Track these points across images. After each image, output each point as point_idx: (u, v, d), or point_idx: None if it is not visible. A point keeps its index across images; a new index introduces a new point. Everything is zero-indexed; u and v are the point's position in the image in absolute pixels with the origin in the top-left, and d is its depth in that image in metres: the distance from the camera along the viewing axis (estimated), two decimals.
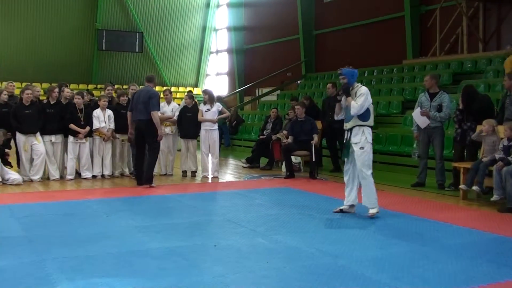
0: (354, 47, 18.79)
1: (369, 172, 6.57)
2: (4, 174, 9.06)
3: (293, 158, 10.80)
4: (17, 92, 10.57)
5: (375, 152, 11.68)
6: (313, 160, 10.26)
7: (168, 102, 10.83)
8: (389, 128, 12.71)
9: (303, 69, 21.49)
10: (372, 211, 6.56)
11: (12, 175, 9.13)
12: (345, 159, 6.83)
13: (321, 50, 21.03)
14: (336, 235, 5.76)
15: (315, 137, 10.35)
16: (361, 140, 6.57)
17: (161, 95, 10.79)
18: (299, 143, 10.44)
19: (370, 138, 6.62)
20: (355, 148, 6.58)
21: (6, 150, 9.37)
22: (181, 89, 27.09)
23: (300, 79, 21.58)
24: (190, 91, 19.08)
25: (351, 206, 6.82)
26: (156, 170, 9.93)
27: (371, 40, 18.09)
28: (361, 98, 6.51)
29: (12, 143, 9.73)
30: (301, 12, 21.05)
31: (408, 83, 15.10)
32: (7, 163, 9.51)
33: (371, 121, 6.67)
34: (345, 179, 6.83)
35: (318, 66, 21.27)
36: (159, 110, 9.24)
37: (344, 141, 6.80)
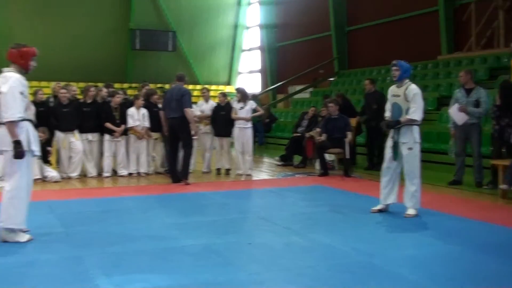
0: (387, 43, 18.56)
1: (417, 175, 6.41)
2: (44, 171, 9.28)
3: (326, 156, 10.75)
4: (47, 91, 10.81)
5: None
6: (347, 157, 10.20)
7: (206, 100, 10.92)
8: (424, 125, 12.49)
9: (336, 66, 21.34)
10: (411, 212, 6.43)
11: (51, 172, 9.34)
12: (386, 161, 6.61)
13: (354, 47, 20.84)
14: (371, 233, 5.72)
15: (349, 135, 10.28)
16: (409, 140, 6.38)
17: (199, 93, 10.90)
18: (333, 141, 10.38)
19: (418, 138, 6.43)
20: (403, 148, 6.40)
21: (48, 148, 9.58)
22: (213, 87, 27.20)
23: (332, 76, 21.44)
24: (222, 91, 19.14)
25: (388, 204, 6.72)
26: (192, 168, 10.05)
27: (405, 36, 17.83)
28: (417, 99, 6.32)
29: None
30: (333, 9, 20.88)
31: (443, 79, 14.85)
32: (47, 161, 9.73)
33: (420, 119, 6.42)
34: (385, 179, 6.62)
35: (351, 63, 21.08)
36: (191, 107, 9.33)
37: (392, 141, 6.55)
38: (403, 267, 4.46)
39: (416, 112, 6.32)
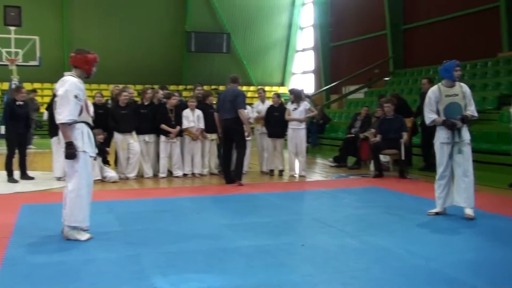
0: (445, 41, 18.11)
1: (472, 172, 6.40)
2: (103, 172, 9.56)
3: (381, 157, 10.59)
4: (106, 94, 11.10)
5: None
6: (403, 159, 10.01)
7: (263, 101, 10.97)
8: (484, 125, 12.13)
9: (391, 66, 20.99)
10: (471, 212, 6.30)
11: (110, 173, 9.60)
12: (444, 164, 6.50)
13: (410, 45, 20.44)
14: (428, 236, 5.60)
15: (405, 135, 10.09)
16: (467, 138, 6.44)
17: (253, 95, 10.99)
18: (388, 142, 10.21)
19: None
20: (464, 145, 6.39)
21: (106, 149, 9.86)
22: (267, 88, 27.28)
23: (388, 76, 21.10)
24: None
25: (445, 208, 6.57)
26: (246, 169, 10.13)
27: (463, 33, 17.36)
28: (472, 97, 6.45)
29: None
30: (389, 7, 20.55)
31: (504, 77, 14.35)
32: (106, 162, 10.02)
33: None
34: (442, 182, 6.52)
35: (407, 62, 20.68)
36: (245, 108, 9.39)
37: (454, 140, 6.45)
38: (462, 271, 4.34)
39: (474, 109, 6.45)
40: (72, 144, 5.23)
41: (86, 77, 5.49)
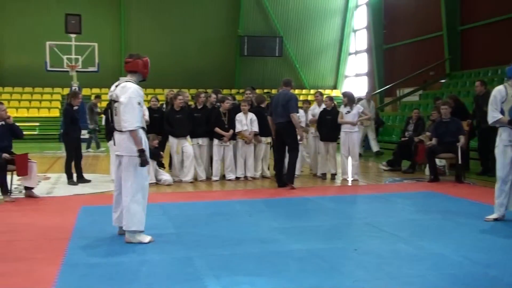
0: (505, 41, 17.50)
1: None
2: (158, 175, 9.75)
3: (437, 161, 10.34)
4: (161, 98, 11.32)
5: None
6: (460, 163, 9.74)
7: (319, 104, 10.94)
8: None
9: (447, 68, 20.47)
10: None
11: (164, 175, 9.78)
12: (508, 168, 6.27)
13: (468, 47, 19.87)
14: (487, 243, 5.43)
15: (462, 139, 9.82)
16: None
17: (305, 98, 10.98)
18: (444, 145, 9.96)
19: None
20: None
21: (161, 153, 10.05)
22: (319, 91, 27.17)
23: (444, 78, 20.59)
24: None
25: (504, 213, 6.35)
26: (298, 173, 10.12)
27: None
28: None
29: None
30: (445, 8, 20.07)
31: None
32: (161, 165, 10.21)
33: None
34: (504, 188, 6.29)
35: (464, 63, 20.12)
36: (297, 112, 9.38)
37: None
38: None
39: None
40: (144, 151, 5.38)
41: (142, 81, 5.62)
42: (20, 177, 8.13)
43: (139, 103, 5.36)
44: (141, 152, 5.35)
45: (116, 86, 5.51)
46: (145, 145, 5.53)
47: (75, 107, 9.72)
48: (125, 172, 5.43)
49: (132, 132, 5.32)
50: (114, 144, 5.59)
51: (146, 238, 5.41)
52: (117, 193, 5.60)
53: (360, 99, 14.98)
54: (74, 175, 9.78)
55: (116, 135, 5.50)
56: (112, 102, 5.54)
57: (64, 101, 23.47)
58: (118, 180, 5.57)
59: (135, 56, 5.60)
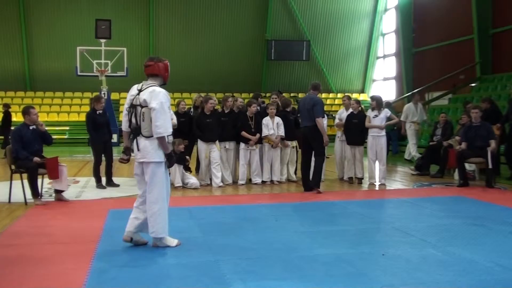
0: None
1: None
2: (185, 178, 9.81)
3: (467, 165, 10.18)
4: (188, 102, 11.40)
5: None
6: (490, 167, 9.56)
7: (347, 108, 10.87)
8: None
9: (478, 71, 20.14)
10: None
11: (191, 179, 9.83)
12: None
13: (500, 50, 19.51)
14: None
15: (492, 143, 9.64)
16: None
17: (333, 102, 10.96)
18: (474, 150, 9.80)
19: None
20: None
21: (187, 157, 10.11)
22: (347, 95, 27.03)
23: (474, 81, 20.26)
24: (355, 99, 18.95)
25: None
26: (323, 177, 10.07)
27: None
28: None
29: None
30: (477, 10, 19.76)
31: None
32: (187, 169, 10.26)
33: None
34: None
35: (495, 67, 19.77)
36: (323, 116, 9.32)
37: None
38: None
39: None
40: (172, 155, 5.39)
41: (162, 85, 5.50)
42: (51, 180, 8.27)
43: (169, 108, 5.34)
44: (169, 156, 5.35)
45: (140, 90, 5.34)
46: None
47: (99, 111, 9.75)
48: (152, 179, 5.32)
49: (162, 138, 5.25)
50: (138, 150, 5.38)
51: (174, 242, 5.42)
52: (142, 200, 5.45)
53: (388, 103, 14.83)
54: (103, 179, 9.88)
55: (141, 141, 5.32)
56: (134, 106, 5.35)
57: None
58: (141, 188, 5.45)
59: (156, 59, 5.48)
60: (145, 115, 5.26)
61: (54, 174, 8.04)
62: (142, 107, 5.28)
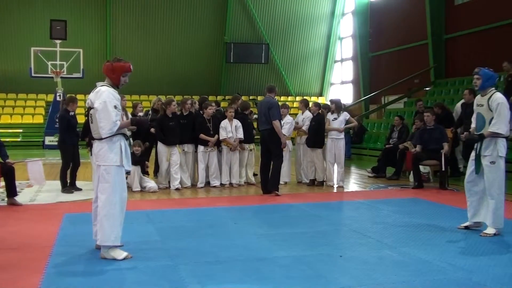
0: (490, 50, 17.72)
1: (500, 192, 6.00)
2: (143, 182, 9.69)
3: (421, 167, 10.41)
4: (146, 105, 11.25)
5: None
6: (443, 169, 9.82)
7: (303, 112, 10.95)
8: None
9: (432, 76, 20.68)
10: (489, 231, 6.00)
11: (149, 183, 9.72)
12: (467, 171, 6.32)
13: (452, 55, 20.09)
14: (470, 249, 5.47)
15: (445, 146, 9.90)
16: (492, 154, 6.00)
17: (292, 105, 11.02)
18: (428, 152, 10.04)
19: (503, 152, 6.01)
20: (484, 162, 6.03)
21: (146, 163, 9.99)
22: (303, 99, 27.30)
23: (428, 86, 20.79)
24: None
25: (478, 222, 6.32)
26: (287, 179, 10.15)
27: (509, 42, 16.94)
28: (501, 109, 5.91)
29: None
30: (430, 16, 20.29)
31: None
32: (145, 172, 10.13)
33: (506, 132, 5.99)
34: (468, 195, 6.28)
35: (448, 71, 20.34)
36: (279, 119, 9.30)
37: (475, 153, 6.19)
38: (508, 285, 4.22)
39: (498, 124, 5.93)
40: (137, 120, 5.36)
41: (116, 87, 5.24)
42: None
43: (115, 107, 5.01)
44: (134, 122, 5.38)
45: (93, 92, 5.18)
46: (127, 152, 5.24)
47: (71, 113, 9.49)
48: (102, 184, 5.07)
49: (116, 131, 5.02)
50: (91, 154, 5.25)
51: (122, 254, 5.03)
52: (96, 206, 5.22)
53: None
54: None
55: (94, 144, 5.16)
56: (89, 109, 5.20)
57: (48, 107, 23.34)
58: (97, 192, 5.20)
59: (113, 59, 5.29)
60: (93, 117, 5.10)
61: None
62: (91, 108, 5.14)
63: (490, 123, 6.02)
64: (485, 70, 6.16)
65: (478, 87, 6.21)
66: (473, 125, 6.40)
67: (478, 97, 6.32)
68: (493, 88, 6.19)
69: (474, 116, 6.40)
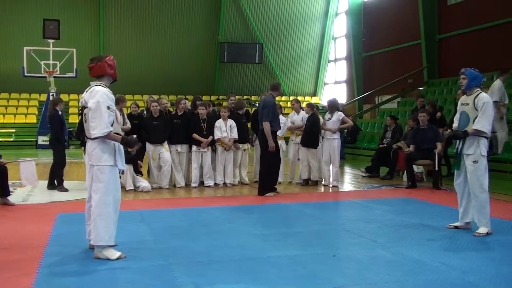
0: (482, 50, 17.80)
1: (483, 190, 6.04)
2: (136, 182, 9.67)
3: (415, 167, 10.44)
4: (141, 104, 11.31)
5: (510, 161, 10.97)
6: (437, 169, 9.84)
7: (297, 111, 10.92)
8: None
9: (425, 75, 20.74)
10: (481, 230, 6.04)
11: (143, 182, 9.71)
12: (455, 171, 6.37)
13: (445, 55, 20.17)
14: (463, 248, 5.48)
15: (439, 145, 9.93)
16: (475, 152, 6.05)
17: (285, 105, 10.99)
18: (422, 152, 10.07)
19: (485, 151, 6.07)
20: (467, 161, 6.09)
21: (140, 162, 9.98)
22: (299, 98, 27.29)
23: (422, 85, 20.85)
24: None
25: (468, 223, 6.36)
26: (280, 179, 10.16)
27: (503, 42, 17.01)
28: (486, 108, 6.00)
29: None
30: (423, 17, 20.35)
31: None
32: (139, 172, 10.12)
33: (489, 131, 6.08)
34: (458, 195, 6.35)
35: (441, 71, 20.42)
36: (270, 120, 9.03)
37: (456, 151, 6.29)
38: (501, 285, 4.24)
39: (482, 122, 6.01)
40: (128, 141, 5.20)
41: (113, 82, 5.30)
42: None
43: (108, 108, 4.99)
44: (125, 143, 5.18)
45: (87, 91, 5.16)
46: (120, 151, 5.23)
47: (60, 112, 9.61)
48: (95, 184, 5.06)
49: (106, 137, 5.01)
50: (84, 153, 5.26)
51: (115, 254, 5.01)
52: (89, 205, 5.21)
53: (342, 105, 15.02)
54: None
55: (87, 143, 5.15)
56: (83, 108, 5.18)
57: (41, 107, 23.24)
58: (91, 191, 5.18)
59: (96, 59, 5.22)
60: (86, 116, 5.09)
61: None
62: (85, 108, 5.13)
63: (474, 121, 6.08)
64: (471, 70, 6.28)
65: (464, 87, 6.30)
66: (455, 125, 6.46)
67: (464, 96, 6.41)
68: (479, 89, 6.27)
69: (456, 116, 6.48)
